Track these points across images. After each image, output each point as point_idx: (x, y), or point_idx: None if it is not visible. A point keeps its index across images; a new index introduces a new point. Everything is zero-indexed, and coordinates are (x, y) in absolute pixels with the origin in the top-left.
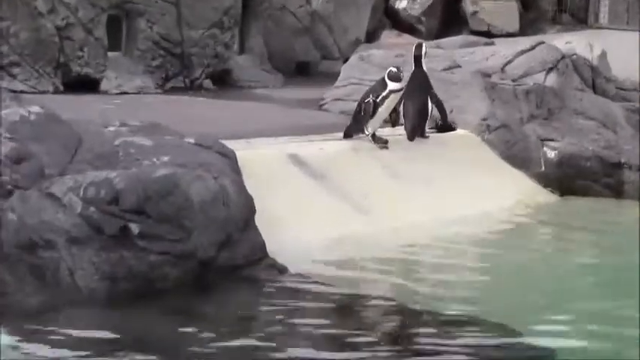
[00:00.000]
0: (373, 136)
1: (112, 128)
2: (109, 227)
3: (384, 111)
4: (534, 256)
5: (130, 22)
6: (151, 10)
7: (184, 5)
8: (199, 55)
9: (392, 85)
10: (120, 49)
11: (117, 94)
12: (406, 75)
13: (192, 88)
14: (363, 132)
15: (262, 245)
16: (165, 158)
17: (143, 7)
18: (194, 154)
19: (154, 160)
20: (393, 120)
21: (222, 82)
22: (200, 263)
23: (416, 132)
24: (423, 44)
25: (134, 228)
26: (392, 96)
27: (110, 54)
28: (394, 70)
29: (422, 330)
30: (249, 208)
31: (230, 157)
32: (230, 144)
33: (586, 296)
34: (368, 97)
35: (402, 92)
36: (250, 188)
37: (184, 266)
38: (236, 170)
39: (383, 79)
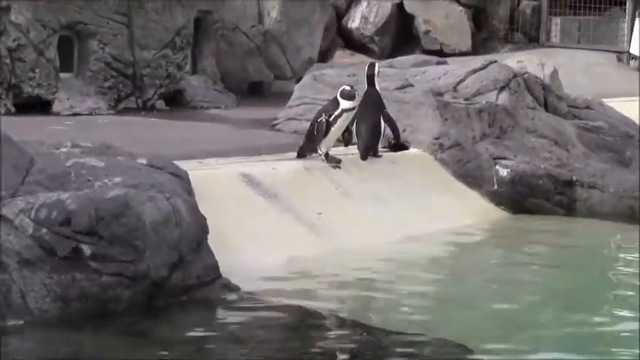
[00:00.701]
0: (326, 155)
1: (63, 149)
2: (61, 249)
3: (336, 130)
4: (487, 274)
5: (82, 44)
6: (102, 31)
7: (136, 26)
8: (151, 76)
9: (344, 104)
10: (72, 70)
11: (69, 115)
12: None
13: (145, 108)
14: (316, 152)
15: (215, 265)
16: (118, 179)
17: (95, 28)
18: (146, 175)
19: (106, 181)
20: (345, 139)
21: (175, 102)
22: (153, 284)
23: (369, 151)
24: (376, 64)
25: (86, 249)
26: (344, 115)
27: (62, 75)
28: (347, 88)
29: (376, 349)
30: (201, 228)
31: (182, 177)
32: (183, 164)
33: (537, 314)
34: (320, 116)
35: (354, 111)
36: (203, 208)
37: (137, 287)
38: (189, 190)
39: (335, 98)
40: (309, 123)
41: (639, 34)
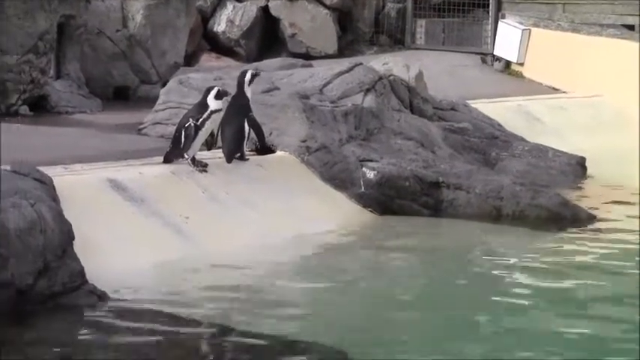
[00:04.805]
0: (193, 159)
1: None
2: None
3: (204, 134)
4: (357, 276)
5: None
6: None
7: None
8: (15, 81)
9: (213, 105)
10: None
11: None
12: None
13: (9, 114)
14: (182, 156)
15: (81, 272)
16: None
17: None
18: (10, 182)
19: None
20: (208, 143)
21: (39, 108)
22: (18, 291)
23: (233, 154)
24: (248, 71)
25: None
26: (213, 116)
27: None
28: (221, 89)
29: (248, 354)
30: (67, 234)
31: (47, 183)
32: (47, 170)
33: (409, 315)
34: (187, 121)
35: (222, 113)
36: (69, 214)
37: (1, 295)
38: (53, 197)
39: (201, 102)
40: (174, 127)
41: (503, 36)
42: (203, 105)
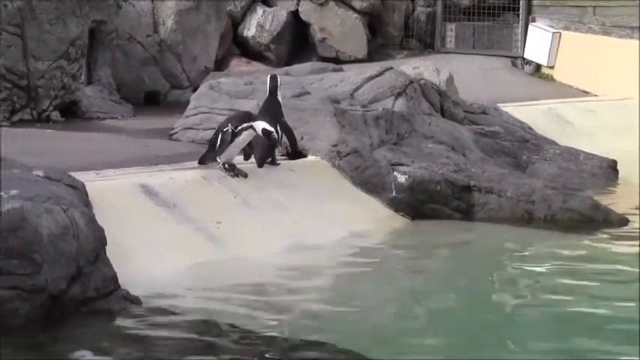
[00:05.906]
0: (224, 164)
1: None
2: None
3: (240, 142)
4: (388, 281)
5: None
6: None
7: (30, 37)
8: (46, 87)
9: (258, 129)
10: None
11: None
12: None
13: (40, 120)
14: (217, 160)
15: (114, 277)
16: (14, 192)
17: None
18: (43, 188)
19: (2, 194)
20: (247, 154)
21: (71, 113)
22: (51, 297)
23: (264, 159)
24: (278, 76)
25: None
26: (251, 130)
27: None
28: (274, 134)
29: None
30: (99, 240)
31: (79, 189)
32: (79, 176)
33: (439, 320)
34: (227, 125)
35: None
36: (101, 220)
37: (35, 301)
38: (86, 202)
39: (251, 115)
40: (205, 132)
41: (533, 39)
42: (249, 117)
